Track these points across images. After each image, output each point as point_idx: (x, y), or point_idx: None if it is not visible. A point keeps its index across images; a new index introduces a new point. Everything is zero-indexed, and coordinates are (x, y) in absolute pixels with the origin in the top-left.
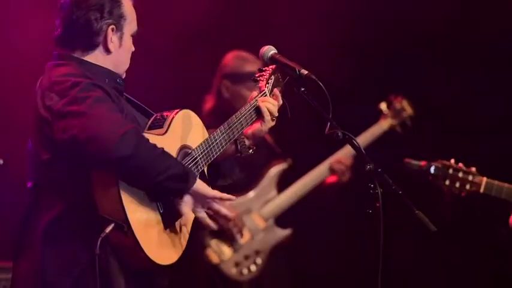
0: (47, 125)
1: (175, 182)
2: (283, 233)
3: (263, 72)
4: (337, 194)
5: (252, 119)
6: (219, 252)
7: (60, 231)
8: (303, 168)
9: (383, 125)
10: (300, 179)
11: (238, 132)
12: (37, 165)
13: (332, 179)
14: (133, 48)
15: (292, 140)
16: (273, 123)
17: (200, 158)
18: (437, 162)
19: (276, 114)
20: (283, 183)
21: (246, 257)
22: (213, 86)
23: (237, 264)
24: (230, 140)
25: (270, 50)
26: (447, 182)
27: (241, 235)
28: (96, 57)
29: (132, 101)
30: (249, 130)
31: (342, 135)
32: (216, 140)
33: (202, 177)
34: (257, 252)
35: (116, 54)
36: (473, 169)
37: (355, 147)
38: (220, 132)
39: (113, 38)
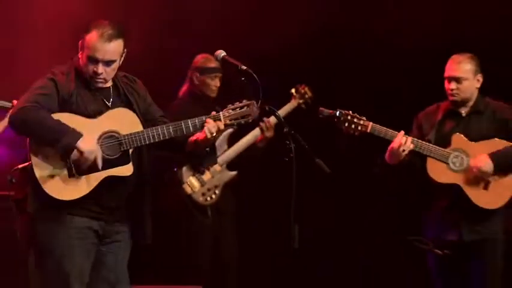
0: None
1: (59, 142)
2: (231, 174)
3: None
4: (264, 148)
5: (196, 130)
6: (191, 186)
7: None
8: (245, 132)
9: (293, 103)
10: (242, 138)
11: (178, 133)
12: None
13: (260, 137)
14: (90, 67)
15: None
16: (210, 138)
17: (124, 141)
18: (338, 110)
19: (214, 134)
20: (231, 141)
21: (209, 189)
22: (188, 77)
23: (203, 194)
24: (166, 136)
25: (221, 53)
26: (346, 124)
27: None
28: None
29: (121, 91)
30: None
31: (268, 109)
32: (147, 133)
33: (125, 157)
34: (216, 186)
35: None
36: (364, 117)
37: (277, 116)
38: (154, 129)
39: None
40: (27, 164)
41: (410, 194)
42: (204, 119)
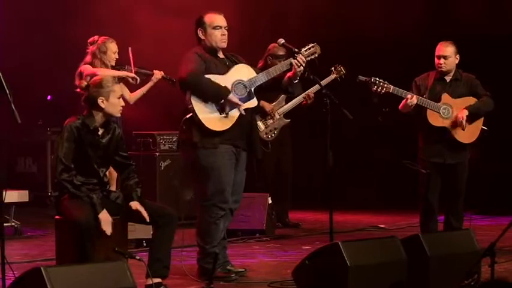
0: None
1: (216, 95)
2: (286, 120)
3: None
4: (310, 108)
5: (287, 68)
6: (258, 127)
7: None
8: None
9: (331, 76)
10: (294, 99)
11: (274, 75)
12: None
13: (304, 102)
14: (218, 34)
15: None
16: (298, 71)
17: (247, 84)
18: (372, 78)
19: (300, 67)
20: (287, 100)
21: (270, 130)
22: (264, 58)
23: (266, 133)
24: (269, 77)
25: (281, 40)
26: (375, 87)
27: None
28: (203, 41)
29: (233, 59)
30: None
31: (312, 78)
32: (259, 77)
33: (251, 95)
34: (275, 129)
35: (205, 40)
36: (387, 82)
37: (319, 83)
38: (261, 74)
39: (201, 33)
40: (189, 115)
41: (407, 131)
42: (291, 59)
